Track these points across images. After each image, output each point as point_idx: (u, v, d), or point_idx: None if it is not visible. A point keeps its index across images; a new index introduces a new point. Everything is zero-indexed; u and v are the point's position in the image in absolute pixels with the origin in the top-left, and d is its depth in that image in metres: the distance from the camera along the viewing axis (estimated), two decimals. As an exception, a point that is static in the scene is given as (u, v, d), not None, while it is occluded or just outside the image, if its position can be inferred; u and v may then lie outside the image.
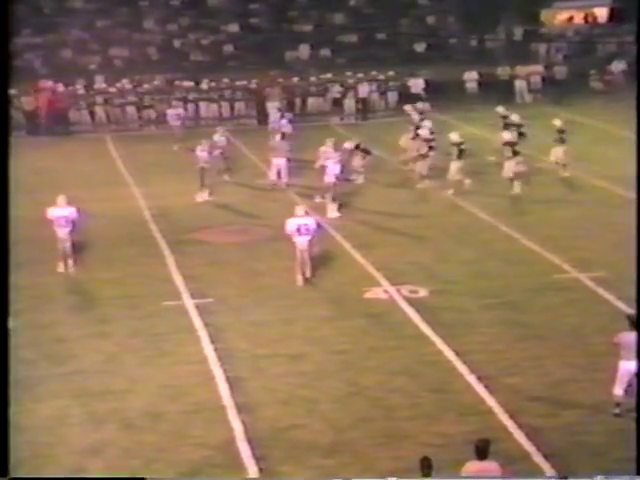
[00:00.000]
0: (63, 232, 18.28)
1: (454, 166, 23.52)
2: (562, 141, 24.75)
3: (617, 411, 12.42)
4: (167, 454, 11.85)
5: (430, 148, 24.24)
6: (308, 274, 17.65)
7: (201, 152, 23.74)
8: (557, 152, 24.73)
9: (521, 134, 25.10)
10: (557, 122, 25.07)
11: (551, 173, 25.25)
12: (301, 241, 17.53)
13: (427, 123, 25.34)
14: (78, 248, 19.95)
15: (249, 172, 26.11)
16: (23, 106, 33.12)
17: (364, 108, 34.91)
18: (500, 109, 26.78)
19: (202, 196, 23.64)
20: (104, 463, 11.68)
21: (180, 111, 31.61)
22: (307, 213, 18.44)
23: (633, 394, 12.24)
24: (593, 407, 12.68)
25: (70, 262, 18.54)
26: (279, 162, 24.59)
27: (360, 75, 35.72)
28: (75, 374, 14.13)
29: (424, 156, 24.23)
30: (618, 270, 17.48)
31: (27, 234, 19.01)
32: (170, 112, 31.41)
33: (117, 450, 11.98)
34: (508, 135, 23.76)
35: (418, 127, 25.32)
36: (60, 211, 18.28)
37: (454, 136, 23.72)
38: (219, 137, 25.63)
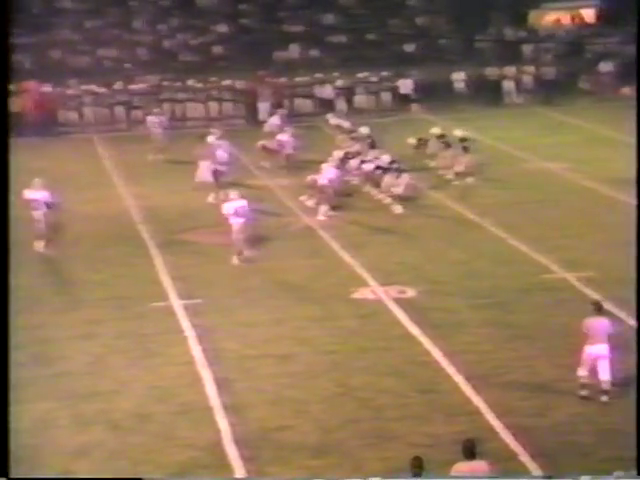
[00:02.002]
0: (37, 214, 19.48)
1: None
2: (465, 150, 24.65)
3: (584, 393, 12.81)
4: (154, 455, 11.81)
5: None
6: (247, 253, 18.88)
7: (222, 153, 23.84)
8: (460, 162, 24.58)
9: (465, 148, 24.90)
10: (458, 132, 24.95)
11: (538, 174, 25.30)
12: (238, 223, 18.78)
13: (364, 130, 25.38)
14: (65, 249, 19.95)
15: (238, 173, 26.01)
16: (11, 107, 32.98)
17: (324, 110, 34.88)
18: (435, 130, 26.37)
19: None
20: (91, 465, 11.64)
21: (162, 118, 29.95)
22: (241, 196, 19.19)
23: (602, 374, 12.72)
24: (581, 407, 12.71)
25: (42, 243, 19.58)
26: (205, 164, 24.68)
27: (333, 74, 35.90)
28: (62, 376, 14.08)
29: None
30: (606, 270, 17.54)
31: (12, 235, 18.89)
32: (150, 119, 29.85)
33: (104, 452, 11.94)
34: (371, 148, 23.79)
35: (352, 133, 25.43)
36: (34, 194, 19.51)
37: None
38: (213, 139, 25.86)
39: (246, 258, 18.83)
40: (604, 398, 12.76)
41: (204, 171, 24.70)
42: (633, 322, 15.09)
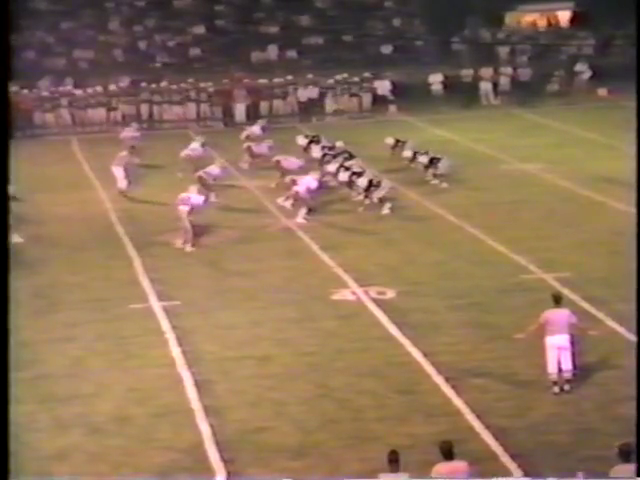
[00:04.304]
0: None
1: None
2: (438, 161, 24.79)
3: (556, 390, 13.07)
4: (134, 458, 11.79)
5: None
6: (189, 241, 20.05)
7: (216, 169, 23.70)
8: (437, 166, 24.74)
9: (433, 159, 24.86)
10: (424, 159, 24.78)
11: (515, 175, 25.44)
12: (181, 210, 20.17)
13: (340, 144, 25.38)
14: (43, 251, 19.88)
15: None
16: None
17: (302, 112, 34.87)
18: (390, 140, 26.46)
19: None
20: (70, 468, 11.59)
21: (137, 134, 29.04)
22: (198, 192, 20.66)
23: (564, 364, 13.03)
24: (558, 407, 12.80)
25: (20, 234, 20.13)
26: (118, 171, 24.56)
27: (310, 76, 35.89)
28: (40, 379, 14.02)
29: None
30: (583, 270, 17.67)
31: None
32: (124, 134, 28.95)
33: (84, 455, 11.90)
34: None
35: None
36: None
37: None
38: (196, 145, 25.84)
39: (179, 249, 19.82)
40: (567, 387, 13.10)
41: (121, 177, 24.47)
42: (611, 323, 15.27)
